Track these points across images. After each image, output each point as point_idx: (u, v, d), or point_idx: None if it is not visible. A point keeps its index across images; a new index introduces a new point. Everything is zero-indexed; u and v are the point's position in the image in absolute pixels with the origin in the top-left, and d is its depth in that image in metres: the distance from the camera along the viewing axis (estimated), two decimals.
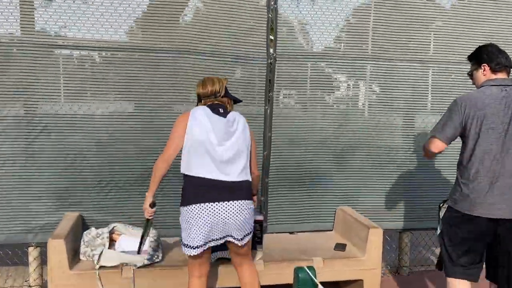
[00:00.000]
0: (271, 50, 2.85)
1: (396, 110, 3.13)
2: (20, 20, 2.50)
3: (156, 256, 2.40)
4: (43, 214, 2.63)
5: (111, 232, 2.50)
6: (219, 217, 1.92)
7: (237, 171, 1.97)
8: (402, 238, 3.28)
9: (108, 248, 2.38)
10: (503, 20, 3.18)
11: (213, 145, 1.92)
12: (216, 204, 1.91)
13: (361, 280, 2.61)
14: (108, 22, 2.61)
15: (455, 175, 2.08)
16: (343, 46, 2.98)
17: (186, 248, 1.97)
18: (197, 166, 1.92)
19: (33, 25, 2.53)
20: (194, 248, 1.93)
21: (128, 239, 2.46)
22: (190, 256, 2.00)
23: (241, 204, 1.96)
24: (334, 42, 2.97)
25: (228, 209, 1.93)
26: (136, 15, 2.66)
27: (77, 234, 2.52)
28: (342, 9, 2.95)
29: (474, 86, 2.10)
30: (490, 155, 1.90)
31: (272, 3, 2.81)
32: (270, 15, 2.82)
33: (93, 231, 2.45)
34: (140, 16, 2.68)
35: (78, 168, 2.67)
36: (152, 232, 2.44)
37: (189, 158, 1.92)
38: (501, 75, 1.97)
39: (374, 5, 2.98)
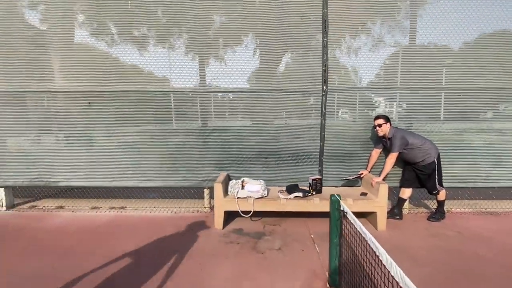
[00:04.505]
0: (324, 87, 5.09)
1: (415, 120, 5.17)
2: (200, 79, 5.18)
3: (265, 194, 4.82)
4: (211, 173, 5.30)
5: (242, 182, 5.00)
6: None
7: None
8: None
9: (241, 189, 4.88)
10: (494, 59, 5.03)
11: None
12: None
13: (375, 212, 4.68)
14: (236, 76, 5.15)
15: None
16: (379, 80, 5.11)
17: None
18: None
19: (204, 81, 5.18)
20: None
21: (251, 185, 4.93)
22: None
23: None
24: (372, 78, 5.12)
25: None
26: (251, 72, 5.14)
27: (226, 183, 5.07)
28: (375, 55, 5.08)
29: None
30: None
31: (325, 58, 5.07)
32: (323, 68, 5.09)
33: (233, 181, 4.98)
34: (253, 71, 5.15)
35: (227, 151, 5.26)
36: (261, 182, 4.90)
37: None
38: None
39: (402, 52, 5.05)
